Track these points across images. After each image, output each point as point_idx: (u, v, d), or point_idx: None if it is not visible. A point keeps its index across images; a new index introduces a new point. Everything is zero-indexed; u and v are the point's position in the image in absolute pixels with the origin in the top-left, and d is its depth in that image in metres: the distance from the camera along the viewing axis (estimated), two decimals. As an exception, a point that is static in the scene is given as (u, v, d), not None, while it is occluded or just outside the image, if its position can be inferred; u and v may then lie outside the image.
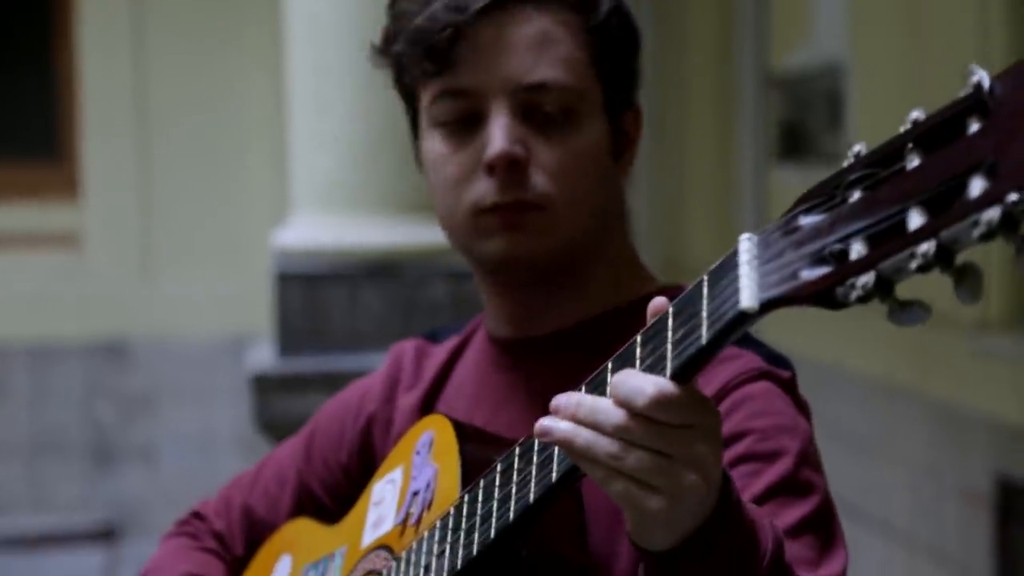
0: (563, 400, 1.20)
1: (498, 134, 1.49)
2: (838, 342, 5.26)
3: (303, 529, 1.69)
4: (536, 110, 1.51)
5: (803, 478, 1.41)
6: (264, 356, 4.02)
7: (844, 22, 5.54)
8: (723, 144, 6.65)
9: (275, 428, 3.96)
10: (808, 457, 1.44)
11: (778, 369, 1.50)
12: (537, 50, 1.50)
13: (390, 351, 1.73)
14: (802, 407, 1.50)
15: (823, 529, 1.40)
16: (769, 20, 6.35)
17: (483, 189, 1.50)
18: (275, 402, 3.88)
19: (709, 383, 1.44)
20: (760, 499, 1.37)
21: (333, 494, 1.70)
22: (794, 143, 6.10)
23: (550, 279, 1.54)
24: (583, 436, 1.17)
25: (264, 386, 3.89)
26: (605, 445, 1.16)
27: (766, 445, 1.41)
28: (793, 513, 1.38)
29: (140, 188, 7.26)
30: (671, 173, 7.16)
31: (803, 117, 6.02)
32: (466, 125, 1.52)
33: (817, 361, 5.15)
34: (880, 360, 5.05)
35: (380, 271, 3.94)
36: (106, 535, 6.80)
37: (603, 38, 1.54)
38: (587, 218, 1.52)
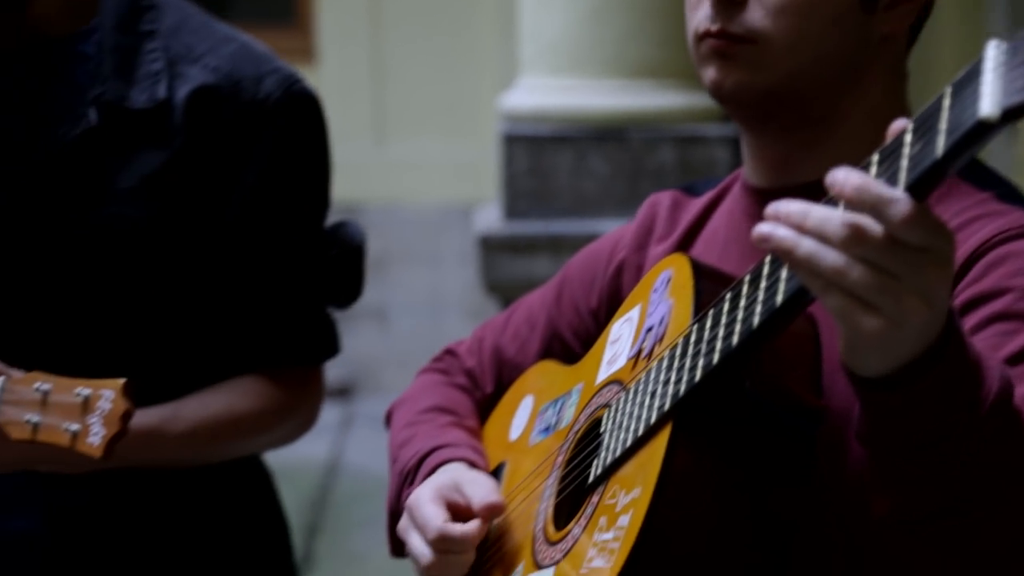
0: (788, 207, 1.15)
1: None
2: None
3: (546, 370, 1.73)
4: None
5: None
6: (491, 219, 4.06)
7: None
8: None
9: (501, 289, 4.01)
10: None
11: None
12: None
13: (645, 201, 1.72)
14: None
15: None
16: None
17: (702, 15, 1.49)
18: (501, 264, 3.92)
19: (969, 238, 1.39)
20: (1013, 360, 1.31)
21: (581, 339, 1.72)
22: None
23: (780, 120, 1.50)
24: (805, 245, 1.13)
25: (491, 248, 3.93)
26: (830, 256, 1.12)
27: None
28: None
29: (372, 52, 7.35)
30: None
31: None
32: None
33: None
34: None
35: (607, 135, 3.92)
36: (342, 392, 6.99)
37: None
38: (810, 62, 1.48)
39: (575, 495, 1.51)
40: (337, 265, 1.91)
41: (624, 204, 3.95)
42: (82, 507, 1.81)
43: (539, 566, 1.51)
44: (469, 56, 7.34)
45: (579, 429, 1.57)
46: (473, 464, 1.67)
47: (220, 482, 1.90)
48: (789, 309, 1.25)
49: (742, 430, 1.36)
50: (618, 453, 1.44)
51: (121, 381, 1.60)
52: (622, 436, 1.44)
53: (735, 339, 1.30)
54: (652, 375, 1.43)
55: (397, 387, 1.88)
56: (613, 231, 1.76)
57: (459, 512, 1.58)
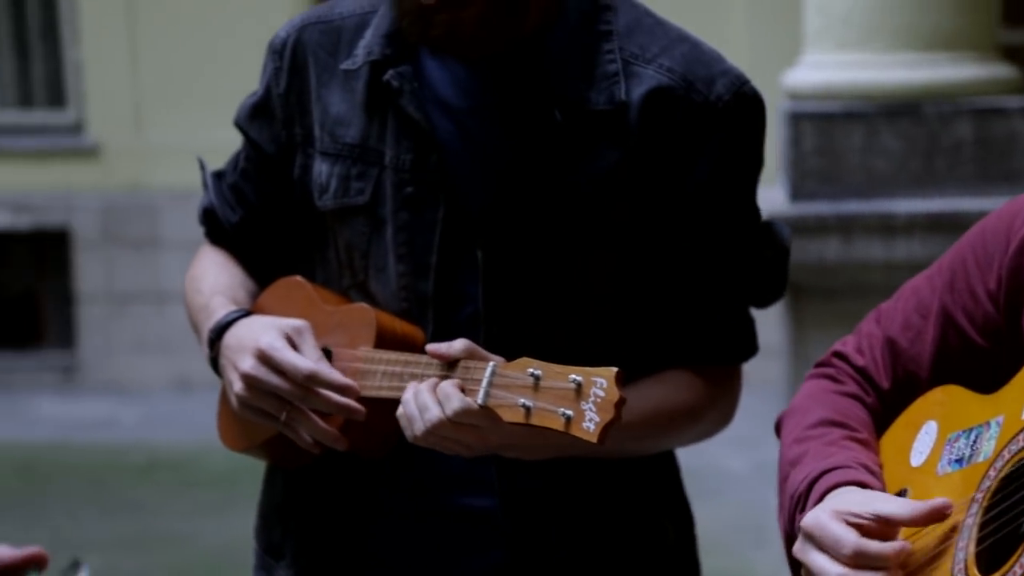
0: None
1: None
2: None
3: (952, 395, 1.60)
4: None
5: None
6: (777, 200, 3.92)
7: None
8: None
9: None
10: None
11: None
12: None
13: None
14: None
15: None
16: None
17: None
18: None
19: None
20: None
21: (979, 326, 1.59)
22: None
23: None
24: None
25: (776, 230, 3.79)
26: None
27: None
28: None
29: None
30: None
31: None
32: None
33: None
34: None
35: (899, 111, 3.76)
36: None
37: None
38: None
39: (1005, 539, 1.40)
40: (767, 265, 1.90)
41: (918, 183, 3.79)
42: (534, 491, 1.85)
43: None
44: (725, 38, 7.16)
45: (1002, 466, 1.45)
46: (865, 485, 1.57)
47: (645, 471, 1.92)
48: None
49: None
50: None
51: (614, 370, 1.59)
52: None
53: None
54: None
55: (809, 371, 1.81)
56: (1007, 204, 1.63)
57: (865, 531, 1.48)
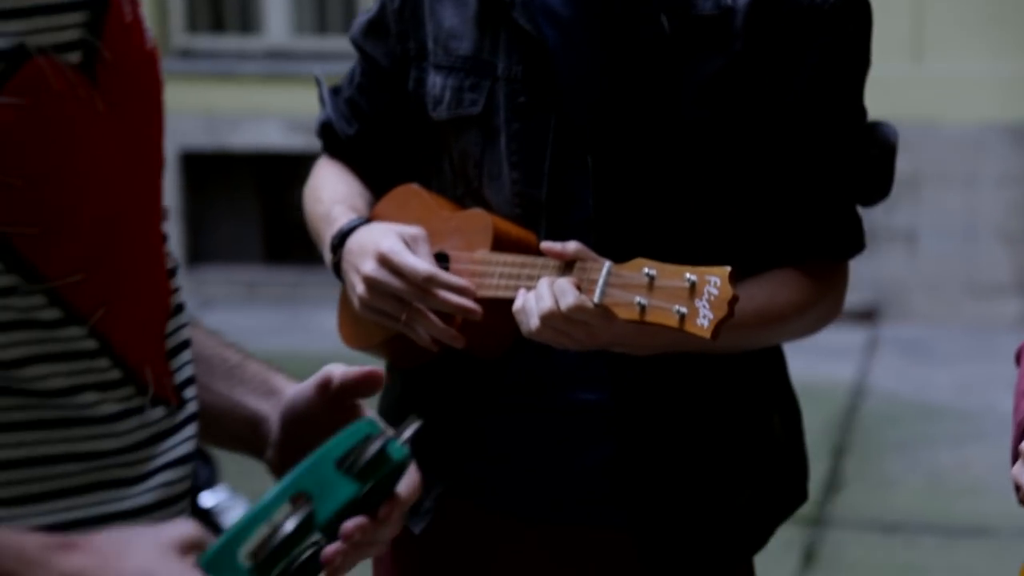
0: None
1: None
2: None
3: None
4: None
5: None
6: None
7: None
8: None
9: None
10: None
11: None
12: None
13: None
14: None
15: None
16: None
17: None
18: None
19: None
20: None
21: None
22: None
23: None
24: None
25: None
26: None
27: None
28: None
29: (915, -36, 7.09)
30: None
31: None
32: None
33: None
34: None
35: None
36: (868, 315, 6.83)
37: None
38: None
39: None
40: (873, 164, 1.93)
41: None
42: (644, 384, 1.91)
43: None
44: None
45: None
46: None
47: (752, 364, 1.97)
48: None
49: None
50: None
51: (727, 268, 1.63)
52: None
53: None
54: None
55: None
56: None
57: None
